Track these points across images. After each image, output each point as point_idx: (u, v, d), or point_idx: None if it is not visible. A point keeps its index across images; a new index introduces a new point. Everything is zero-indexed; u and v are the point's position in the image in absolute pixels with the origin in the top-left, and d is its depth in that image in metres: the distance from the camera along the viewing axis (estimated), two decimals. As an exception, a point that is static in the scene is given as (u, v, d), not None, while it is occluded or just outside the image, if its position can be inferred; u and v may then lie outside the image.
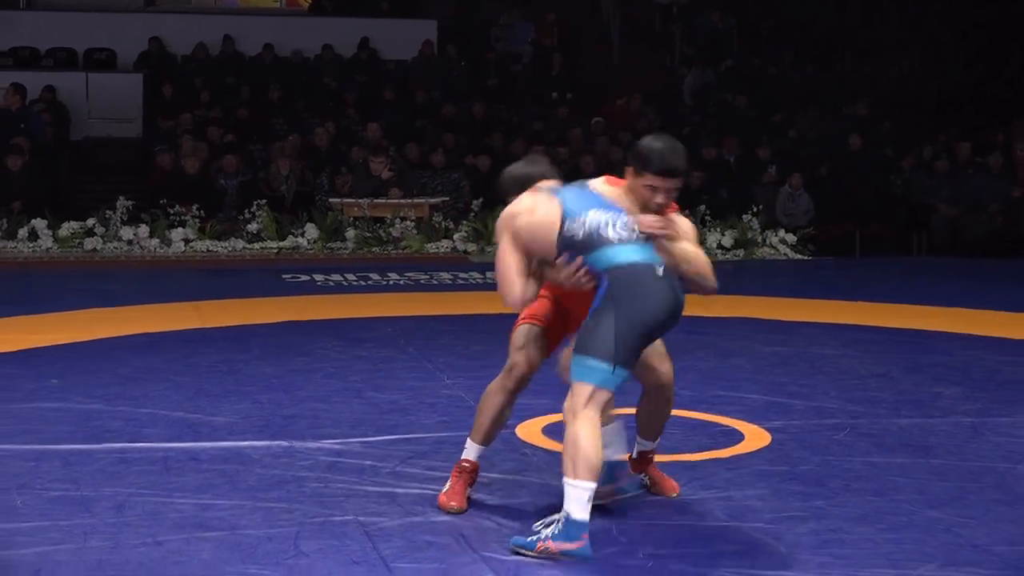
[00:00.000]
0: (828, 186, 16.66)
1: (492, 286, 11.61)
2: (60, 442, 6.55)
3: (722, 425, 7.10)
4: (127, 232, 14.28)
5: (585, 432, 5.07)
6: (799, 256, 15.19)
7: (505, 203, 5.56)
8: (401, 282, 12.41)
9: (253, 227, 14.54)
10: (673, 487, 5.89)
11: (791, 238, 15.37)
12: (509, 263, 5.37)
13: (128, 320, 10.01)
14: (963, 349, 9.34)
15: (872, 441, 6.82)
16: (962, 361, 8.93)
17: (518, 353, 5.74)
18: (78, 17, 19.72)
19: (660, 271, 5.21)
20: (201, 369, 8.35)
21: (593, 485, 5.03)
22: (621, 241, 5.27)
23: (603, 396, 5.19)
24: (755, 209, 15.51)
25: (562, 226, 5.29)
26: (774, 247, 15.23)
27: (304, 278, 12.51)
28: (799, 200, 16.19)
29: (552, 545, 4.96)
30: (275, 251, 14.34)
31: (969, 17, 21.38)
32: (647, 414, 5.87)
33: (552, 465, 6.30)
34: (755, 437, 6.86)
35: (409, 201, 14.98)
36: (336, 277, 12.60)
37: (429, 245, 14.52)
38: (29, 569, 4.80)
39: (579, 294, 5.52)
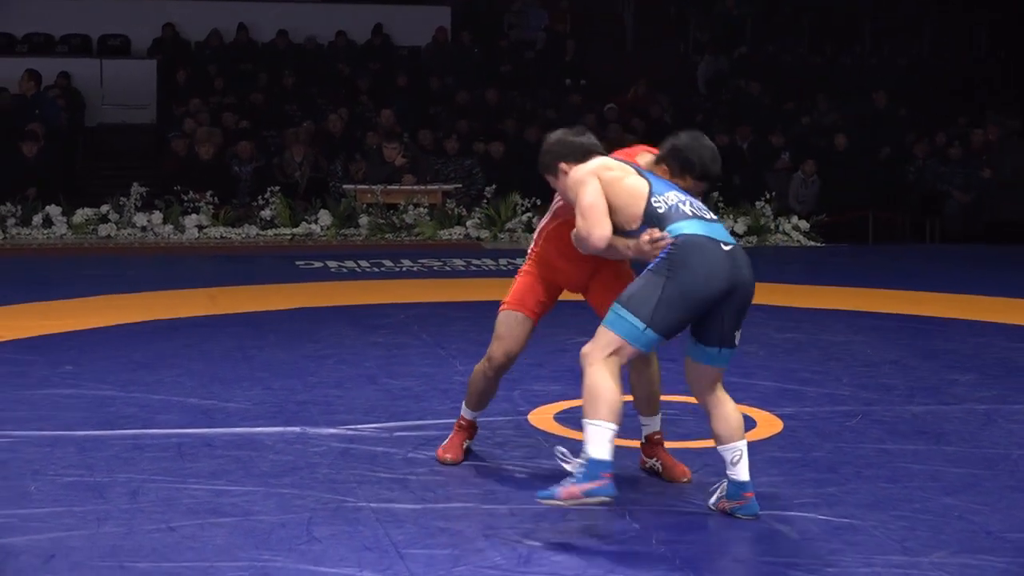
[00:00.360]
0: (840, 173, 16.62)
1: (504, 273, 11.66)
2: (74, 428, 6.57)
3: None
4: (141, 218, 14.29)
5: (602, 377, 5.18)
6: (812, 243, 15.17)
7: (542, 179, 5.76)
8: (414, 269, 12.41)
9: (267, 213, 14.54)
10: (684, 472, 5.90)
11: (804, 225, 15.35)
12: (599, 203, 5.40)
13: (142, 306, 10.02)
14: (977, 336, 9.32)
15: (885, 428, 6.81)
16: (976, 348, 8.91)
17: (497, 344, 5.99)
18: (92, 4, 19.70)
19: (727, 248, 5.28)
20: (215, 355, 8.36)
21: (613, 426, 5.12)
22: (695, 215, 5.34)
23: (627, 351, 5.26)
24: (768, 196, 15.49)
25: (649, 198, 5.37)
26: (787, 234, 15.20)
27: (317, 264, 12.52)
28: (812, 186, 16.17)
29: (576, 489, 5.03)
30: (289, 237, 14.35)
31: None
32: (638, 387, 5.93)
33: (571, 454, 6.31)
34: (767, 424, 6.86)
35: (422, 188, 14.96)
36: (349, 263, 12.60)
37: (442, 232, 14.51)
38: (43, 555, 4.82)
39: (575, 269, 5.82)
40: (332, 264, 12.56)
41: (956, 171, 16.43)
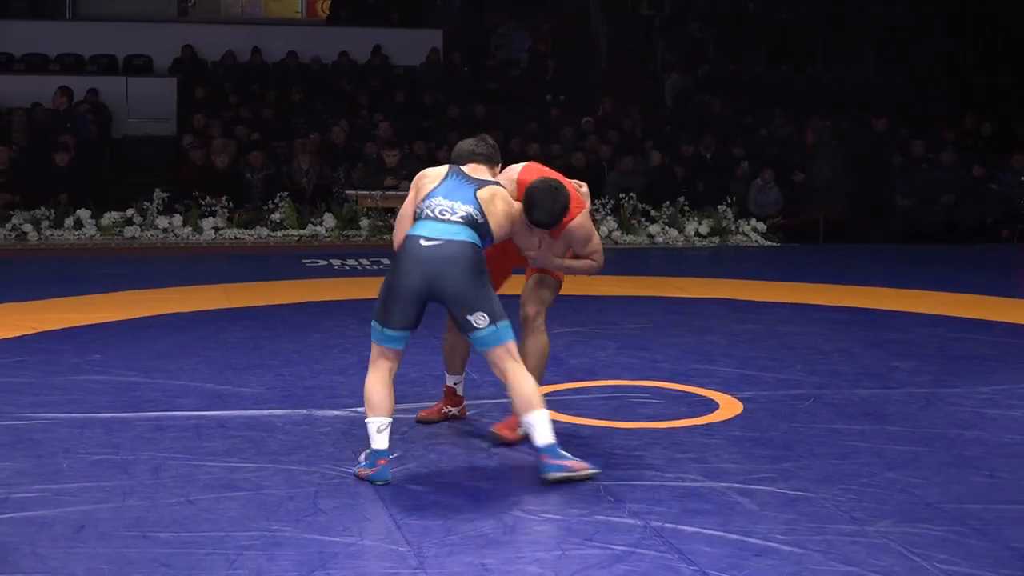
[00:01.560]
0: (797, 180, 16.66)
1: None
2: (101, 411, 6.56)
3: (699, 396, 7.11)
4: (163, 221, 14.26)
5: (369, 381, 5.62)
6: (768, 243, 15.18)
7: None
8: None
9: (276, 216, 14.53)
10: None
11: (761, 227, 15.37)
12: (406, 210, 5.88)
13: (163, 301, 10.00)
14: (917, 327, 9.34)
15: (834, 410, 6.82)
16: (916, 338, 8.93)
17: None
18: (118, 27, 19.71)
19: (427, 244, 5.51)
20: (229, 345, 8.35)
21: (382, 418, 5.53)
22: (429, 217, 5.62)
23: (383, 351, 5.66)
24: (729, 200, 15.52)
25: (421, 203, 5.72)
26: (746, 235, 15.21)
27: (323, 263, 12.51)
28: (769, 192, 16.17)
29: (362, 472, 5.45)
30: (296, 238, 14.33)
31: (921, 27, 21.38)
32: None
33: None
34: (729, 406, 6.87)
35: (417, 194, 14.93)
36: (351, 262, 12.59)
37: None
38: (74, 525, 4.81)
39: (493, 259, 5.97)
40: (336, 262, 12.55)
41: (900, 178, 16.45)
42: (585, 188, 6.17)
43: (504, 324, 5.59)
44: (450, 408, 6.50)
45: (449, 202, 5.62)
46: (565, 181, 5.99)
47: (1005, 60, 21.01)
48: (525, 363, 5.79)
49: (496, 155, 6.03)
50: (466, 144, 6.03)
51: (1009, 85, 20.46)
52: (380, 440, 5.46)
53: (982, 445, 6.19)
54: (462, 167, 5.84)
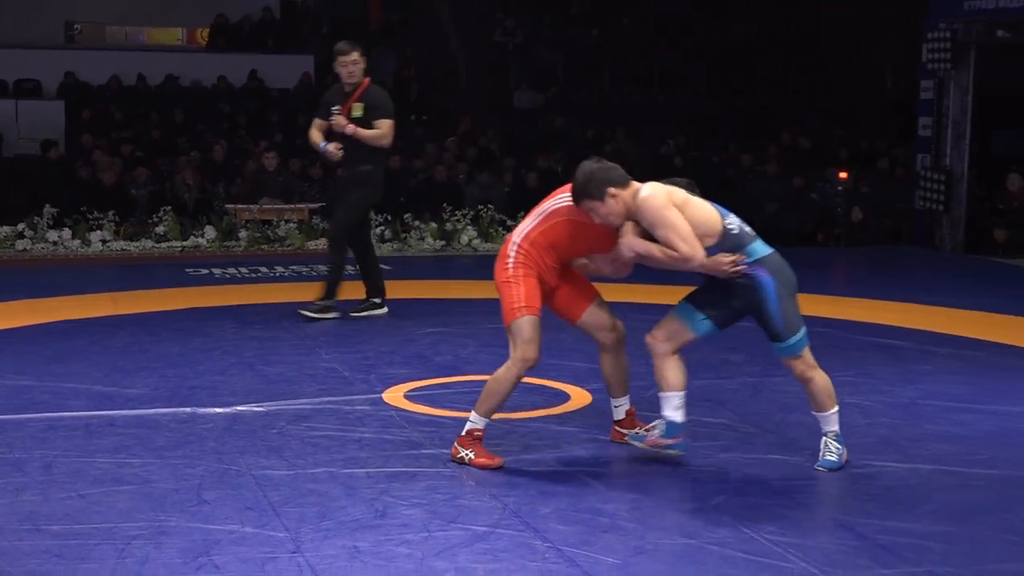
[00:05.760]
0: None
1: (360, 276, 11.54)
2: (-4, 413, 6.41)
3: (552, 388, 7.15)
4: (53, 235, 13.95)
5: (820, 377, 5.58)
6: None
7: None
8: (286, 274, 12.28)
9: (160, 229, 14.29)
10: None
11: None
12: (687, 228, 5.31)
13: (54, 309, 9.79)
14: (746, 322, 9.42)
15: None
16: (746, 332, 9.00)
17: (531, 347, 5.45)
18: (8, 52, 19.29)
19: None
20: (116, 349, 8.19)
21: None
22: (756, 236, 5.51)
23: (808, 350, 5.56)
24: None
25: (723, 220, 5.43)
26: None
27: (204, 272, 12.34)
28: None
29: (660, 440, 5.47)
30: (179, 249, 14.11)
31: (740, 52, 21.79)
32: (615, 369, 5.97)
33: (418, 426, 6.30)
34: (579, 397, 6.93)
35: (292, 206, 14.87)
36: (231, 270, 12.44)
37: (309, 243, 14.38)
38: (-31, 521, 4.69)
39: (553, 273, 5.58)
40: (217, 271, 12.39)
41: (729, 188, 16.72)
42: None
43: None
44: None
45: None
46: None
47: (825, 82, 21.48)
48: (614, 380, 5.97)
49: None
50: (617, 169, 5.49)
51: (827, 105, 20.92)
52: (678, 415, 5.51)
53: (805, 427, 6.31)
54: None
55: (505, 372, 5.51)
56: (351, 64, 9.14)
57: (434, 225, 14.58)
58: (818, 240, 16.24)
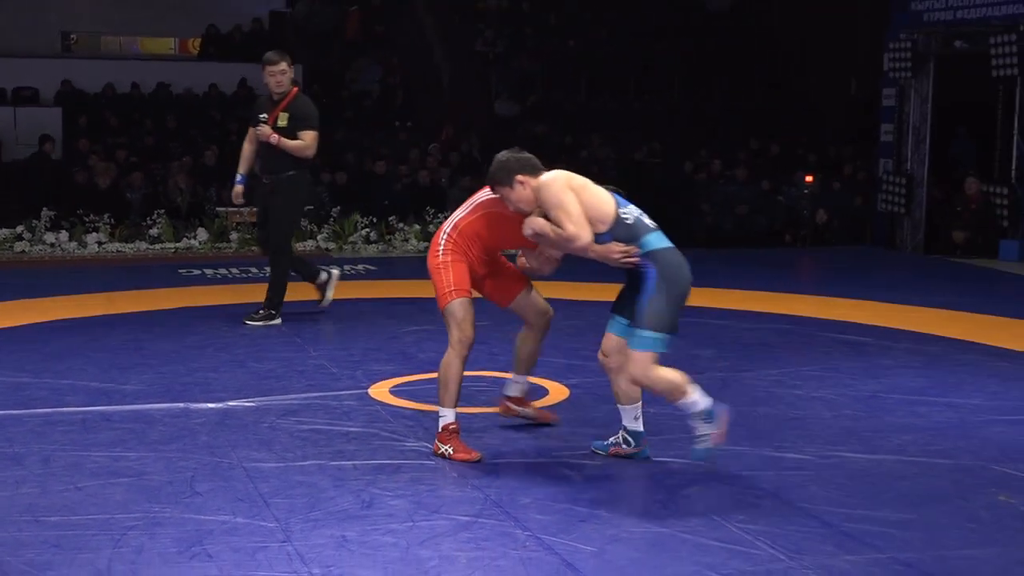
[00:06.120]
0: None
1: (349, 277, 11.57)
2: (-4, 408, 6.39)
3: (531, 383, 7.13)
4: (50, 237, 13.90)
5: (662, 376, 5.28)
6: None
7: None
8: (276, 274, 12.26)
9: (154, 231, 14.25)
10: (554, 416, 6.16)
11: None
12: (578, 210, 5.26)
13: (51, 308, 9.75)
14: (715, 319, 9.52)
15: (647, 393, 6.91)
16: (715, 329, 9.11)
17: (464, 326, 5.51)
18: (7, 61, 19.19)
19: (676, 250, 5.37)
20: (112, 347, 8.17)
21: (694, 393, 5.32)
22: (655, 229, 5.36)
23: (656, 357, 5.29)
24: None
25: (617, 209, 5.33)
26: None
27: (196, 272, 12.31)
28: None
29: (715, 433, 5.26)
30: (172, 251, 14.07)
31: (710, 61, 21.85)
32: (532, 351, 5.97)
33: (402, 420, 6.31)
34: (557, 392, 6.94)
35: (281, 209, 14.84)
36: (223, 271, 12.41)
37: (297, 244, 14.36)
38: (-30, 513, 4.68)
39: (482, 260, 5.66)
40: (209, 272, 12.36)
41: (700, 192, 16.74)
42: None
43: None
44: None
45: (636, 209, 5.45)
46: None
47: (792, 90, 21.53)
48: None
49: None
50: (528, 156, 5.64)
51: (794, 112, 20.98)
52: (705, 400, 5.32)
53: (772, 420, 6.35)
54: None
55: (448, 357, 5.54)
56: (279, 74, 8.97)
57: (418, 227, 14.58)
58: (785, 241, 16.29)
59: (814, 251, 15.32)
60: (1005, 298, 11.05)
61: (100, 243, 13.97)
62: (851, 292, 11.08)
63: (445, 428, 5.56)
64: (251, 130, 9.14)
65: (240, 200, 9.25)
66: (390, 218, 14.78)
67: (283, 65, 8.98)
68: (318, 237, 14.58)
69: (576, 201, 5.28)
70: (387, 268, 12.57)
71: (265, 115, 8.97)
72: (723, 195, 16.63)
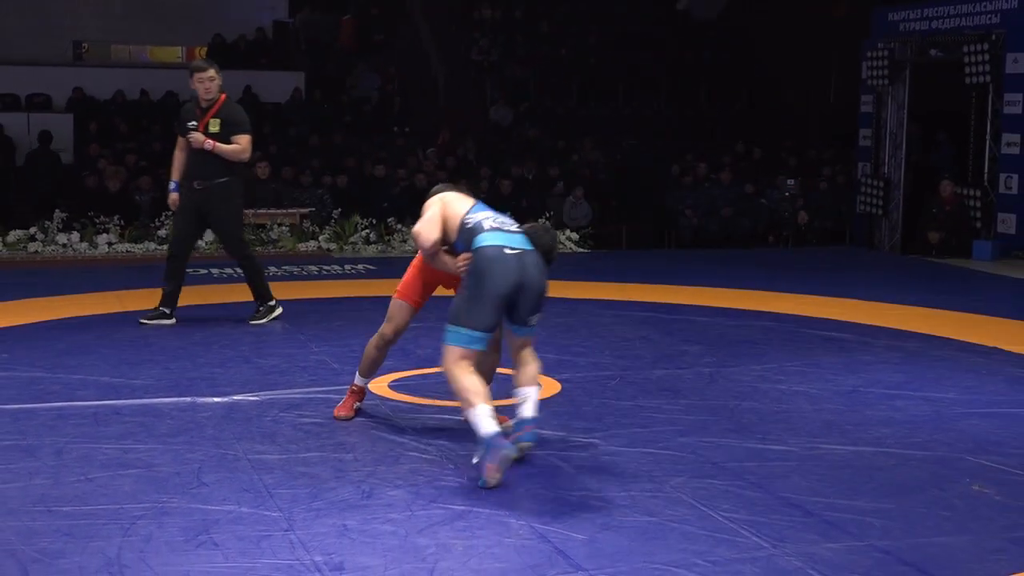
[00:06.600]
0: (605, 196, 16.86)
1: (349, 276, 11.56)
2: (9, 403, 6.36)
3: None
4: (62, 237, 13.87)
5: (458, 377, 5.10)
6: (580, 250, 15.31)
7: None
8: (279, 274, 12.23)
9: (163, 232, 14.23)
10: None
11: (575, 236, 15.49)
12: (432, 217, 5.44)
13: (64, 307, 9.73)
14: (703, 317, 9.52)
15: (637, 387, 6.92)
16: (703, 326, 9.11)
17: (389, 324, 5.95)
18: (21, 69, 19.19)
19: (513, 252, 5.17)
20: (122, 343, 8.15)
21: (486, 406, 5.01)
22: (494, 228, 5.27)
23: (469, 353, 5.15)
24: (548, 214, 15.60)
25: (465, 215, 5.36)
26: (562, 243, 15.30)
27: (203, 271, 12.28)
28: (580, 207, 16.32)
29: (489, 465, 4.89)
30: (180, 251, 14.06)
31: (700, 65, 21.84)
32: (492, 365, 5.80)
33: (401, 413, 6.30)
34: (549, 386, 6.91)
35: (284, 211, 14.82)
36: (228, 270, 12.37)
37: (300, 245, 14.34)
38: (-15, 503, 4.66)
39: (444, 275, 5.72)
40: (215, 271, 12.34)
41: (687, 195, 16.75)
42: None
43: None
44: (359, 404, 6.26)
45: (501, 216, 5.41)
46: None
47: (775, 96, 21.54)
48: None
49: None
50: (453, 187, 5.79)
51: (776, 117, 20.98)
52: (492, 424, 4.95)
53: (756, 413, 6.34)
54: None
55: (372, 338, 6.03)
56: (208, 81, 8.79)
57: (415, 228, 14.55)
58: (768, 241, 16.30)
59: (796, 251, 15.32)
60: (979, 296, 11.07)
61: (110, 244, 13.96)
62: (832, 291, 11.08)
63: (350, 388, 6.15)
64: (180, 138, 8.92)
65: (176, 207, 9.00)
66: (389, 219, 14.77)
67: (211, 72, 8.81)
68: (320, 238, 14.57)
69: (436, 210, 5.47)
70: (386, 268, 12.55)
71: (195, 123, 8.78)
72: (708, 197, 16.63)
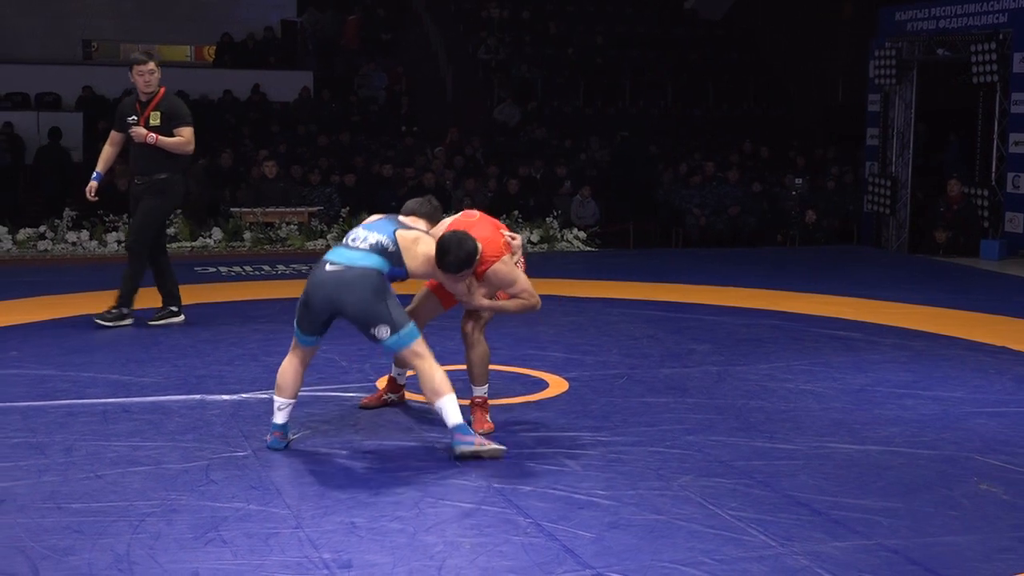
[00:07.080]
0: (611, 195, 16.85)
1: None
2: (19, 400, 6.37)
3: (532, 376, 7.14)
4: (72, 236, 13.90)
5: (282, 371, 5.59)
6: (588, 248, 15.30)
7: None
8: (287, 272, 12.25)
9: (171, 231, 14.22)
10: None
11: (582, 235, 15.47)
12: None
13: (73, 304, 9.74)
14: (710, 316, 9.51)
15: (644, 386, 6.91)
16: (710, 325, 9.09)
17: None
18: (31, 68, 19.25)
19: (331, 268, 5.38)
20: (131, 341, 8.16)
21: (286, 399, 5.52)
22: (340, 245, 5.52)
23: (298, 349, 5.56)
24: (555, 213, 15.60)
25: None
26: (570, 242, 15.29)
27: (212, 270, 12.30)
28: (587, 206, 16.31)
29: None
30: (188, 249, 14.07)
31: (711, 62, 21.82)
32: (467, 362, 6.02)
33: (409, 411, 6.29)
34: (557, 385, 6.91)
35: (293, 210, 14.83)
36: (237, 269, 12.40)
37: (308, 243, 14.35)
38: (-5, 500, 4.66)
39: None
40: (223, 269, 12.35)
41: (694, 193, 16.73)
42: (518, 240, 5.79)
43: (407, 330, 5.31)
44: (390, 395, 6.33)
45: (365, 232, 5.48)
46: (496, 230, 5.70)
47: (783, 95, 21.53)
48: (470, 371, 5.81)
49: (437, 214, 5.85)
50: (412, 202, 5.94)
51: (783, 116, 20.97)
52: (280, 416, 5.47)
53: (764, 412, 6.33)
54: (401, 217, 5.68)
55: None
56: (148, 74, 8.66)
57: (423, 227, 14.55)
58: (776, 240, 16.28)
59: (803, 250, 15.29)
60: (986, 296, 11.04)
61: (120, 242, 13.95)
62: (839, 290, 11.06)
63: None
64: (113, 133, 8.82)
65: (94, 197, 8.90)
66: (397, 218, 14.75)
67: (151, 65, 8.68)
68: (328, 236, 14.57)
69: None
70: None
71: (135, 116, 8.70)
72: (716, 196, 16.62)
